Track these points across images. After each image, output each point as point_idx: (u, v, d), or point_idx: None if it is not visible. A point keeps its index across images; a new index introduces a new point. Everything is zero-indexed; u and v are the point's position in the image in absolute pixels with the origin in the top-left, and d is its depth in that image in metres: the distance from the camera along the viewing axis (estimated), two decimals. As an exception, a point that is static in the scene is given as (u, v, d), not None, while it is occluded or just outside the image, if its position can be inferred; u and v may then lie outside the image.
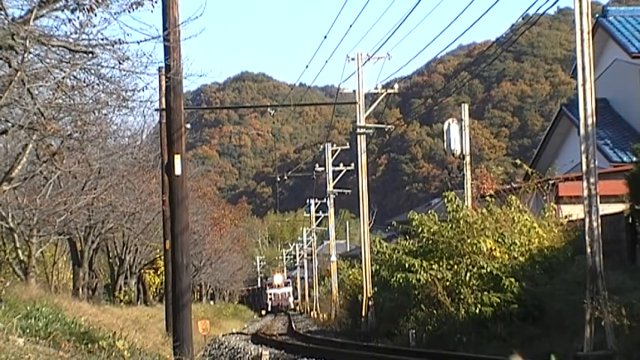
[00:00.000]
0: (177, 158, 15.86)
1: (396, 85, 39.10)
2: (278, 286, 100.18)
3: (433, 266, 24.54)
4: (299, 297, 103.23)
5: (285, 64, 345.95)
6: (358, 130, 36.22)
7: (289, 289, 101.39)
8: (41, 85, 12.61)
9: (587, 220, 16.29)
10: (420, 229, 25.68)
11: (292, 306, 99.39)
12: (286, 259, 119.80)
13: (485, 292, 22.43)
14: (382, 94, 36.73)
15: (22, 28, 11.24)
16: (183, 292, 15.89)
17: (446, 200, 25.45)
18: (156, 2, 12.60)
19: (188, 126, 29.14)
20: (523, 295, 21.93)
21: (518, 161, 35.72)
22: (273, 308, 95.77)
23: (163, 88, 18.60)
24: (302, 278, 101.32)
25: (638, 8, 35.02)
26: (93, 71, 13.16)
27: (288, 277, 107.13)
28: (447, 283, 24.08)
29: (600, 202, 16.49)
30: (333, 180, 57.29)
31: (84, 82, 13.33)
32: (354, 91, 36.68)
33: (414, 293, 25.59)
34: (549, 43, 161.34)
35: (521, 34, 33.96)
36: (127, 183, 30.84)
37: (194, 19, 14.01)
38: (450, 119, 32.12)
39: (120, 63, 12.68)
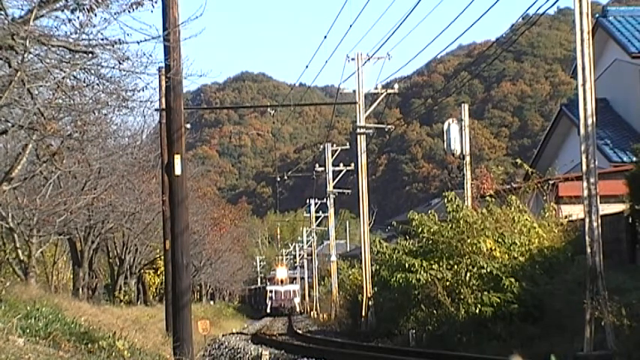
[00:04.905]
0: (177, 158, 15.86)
1: (396, 85, 39.12)
2: (281, 281, 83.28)
3: (433, 266, 24.54)
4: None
5: (285, 64, 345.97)
6: (358, 130, 36.23)
7: (295, 287, 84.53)
8: (41, 85, 12.61)
9: (587, 220, 16.29)
10: (420, 229, 25.68)
11: (298, 308, 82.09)
12: (286, 259, 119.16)
13: (485, 292, 22.43)
14: (382, 94, 36.74)
15: (22, 28, 11.24)
16: (183, 292, 15.88)
17: (446, 200, 25.45)
18: (156, 2, 12.60)
19: (188, 126, 29.16)
20: (523, 295, 21.93)
21: (518, 161, 35.76)
22: (273, 310, 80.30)
23: (163, 88, 18.59)
24: (302, 278, 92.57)
25: (638, 8, 35.01)
26: (93, 71, 13.16)
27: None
28: (447, 283, 24.10)
29: (600, 202, 16.50)
30: (333, 180, 57.30)
31: (84, 82, 13.33)
32: (354, 91, 36.69)
33: (414, 293, 25.60)
34: (549, 43, 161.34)
35: (521, 34, 34.00)
36: (127, 183, 30.83)
37: (194, 19, 14.04)
38: (450, 119, 32.13)
39: (120, 63, 12.68)
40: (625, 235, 21.71)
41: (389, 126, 41.00)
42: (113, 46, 12.32)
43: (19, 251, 27.39)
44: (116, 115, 23.15)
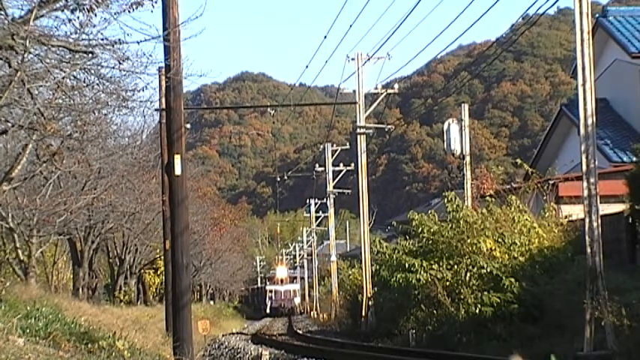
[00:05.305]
0: (177, 158, 15.86)
1: (396, 85, 39.12)
2: (281, 281, 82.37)
3: (433, 266, 24.55)
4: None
5: (285, 64, 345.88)
6: (358, 130, 36.23)
7: (295, 286, 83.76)
8: (41, 85, 12.61)
9: (587, 220, 16.29)
10: (420, 229, 25.68)
11: (298, 308, 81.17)
12: (286, 259, 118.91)
13: (485, 292, 22.43)
14: (382, 94, 36.74)
15: (22, 28, 11.24)
16: (183, 292, 15.88)
17: (446, 200, 25.45)
18: (156, 2, 12.60)
19: (188, 126, 29.17)
20: (523, 295, 21.93)
21: (518, 161, 35.75)
22: (273, 310, 79.33)
23: (163, 88, 18.58)
24: (302, 278, 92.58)
25: (638, 8, 35.02)
26: (93, 71, 13.16)
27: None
28: (447, 283, 24.10)
29: (600, 202, 16.51)
30: (333, 180, 57.31)
31: (84, 82, 13.33)
32: (354, 91, 36.69)
33: (414, 293, 25.60)
34: (549, 43, 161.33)
35: (521, 34, 34.02)
36: (127, 183, 30.84)
37: (194, 19, 14.04)
38: (450, 119, 32.13)
39: (120, 63, 12.68)
40: (625, 235, 21.71)
41: (389, 126, 41.01)
42: (113, 46, 12.32)
43: (19, 251, 27.38)
44: (116, 115, 23.21)
